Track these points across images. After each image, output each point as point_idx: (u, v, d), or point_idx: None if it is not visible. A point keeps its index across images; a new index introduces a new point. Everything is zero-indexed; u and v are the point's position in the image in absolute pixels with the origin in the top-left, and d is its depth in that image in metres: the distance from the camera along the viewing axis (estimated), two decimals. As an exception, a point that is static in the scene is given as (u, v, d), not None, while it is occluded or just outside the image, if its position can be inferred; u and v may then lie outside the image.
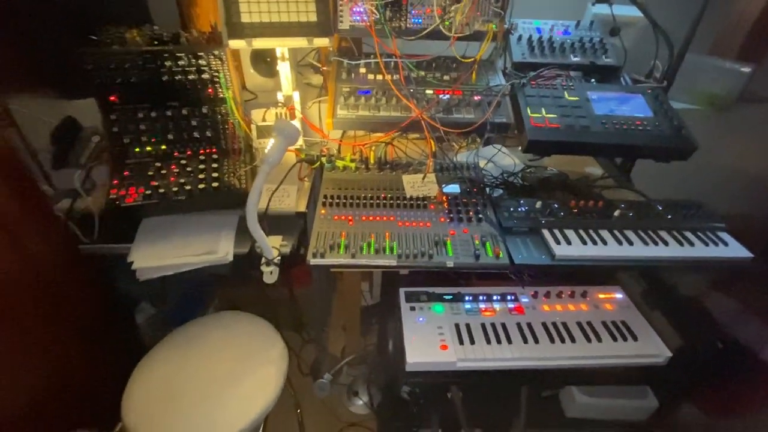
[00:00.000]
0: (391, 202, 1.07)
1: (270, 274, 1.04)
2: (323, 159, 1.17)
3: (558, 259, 0.94)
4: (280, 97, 1.28)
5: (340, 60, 1.19)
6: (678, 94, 1.41)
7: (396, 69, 1.17)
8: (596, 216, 1.07)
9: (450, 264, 0.92)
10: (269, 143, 1.08)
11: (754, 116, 1.54)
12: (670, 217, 1.08)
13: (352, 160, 1.19)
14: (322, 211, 1.05)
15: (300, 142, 1.20)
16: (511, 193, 1.20)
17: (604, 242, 0.99)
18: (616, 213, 1.07)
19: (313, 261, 0.92)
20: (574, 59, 1.29)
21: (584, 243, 0.98)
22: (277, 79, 1.64)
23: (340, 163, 1.17)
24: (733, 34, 1.55)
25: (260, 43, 1.11)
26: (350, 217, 1.03)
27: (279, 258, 1.03)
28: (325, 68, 1.22)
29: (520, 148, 1.09)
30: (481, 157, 1.29)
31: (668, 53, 1.24)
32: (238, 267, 1.05)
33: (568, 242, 0.98)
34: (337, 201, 1.07)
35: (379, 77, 1.14)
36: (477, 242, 0.97)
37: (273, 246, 1.03)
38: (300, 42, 1.13)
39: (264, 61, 1.53)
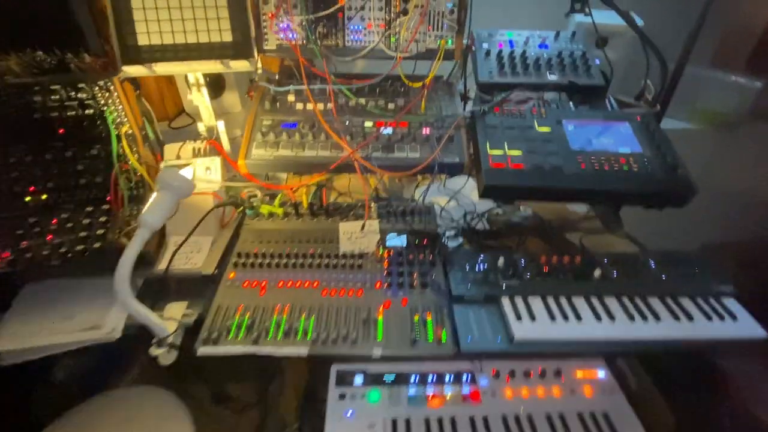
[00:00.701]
0: (320, 260, 0.88)
1: (167, 353, 0.84)
2: (248, 204, 0.97)
3: (517, 343, 0.74)
4: (201, 128, 1.09)
5: (265, 86, 1.00)
6: (674, 111, 1.20)
7: (332, 96, 0.98)
8: (572, 276, 0.87)
9: (377, 354, 0.72)
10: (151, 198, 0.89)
11: (766, 138, 1.31)
12: (664, 277, 0.87)
13: (282, 204, 1.00)
14: (231, 275, 0.86)
15: (219, 182, 1.01)
16: (472, 242, 1.00)
17: (578, 316, 0.78)
18: (597, 273, 0.87)
19: (201, 350, 0.73)
20: (551, 78, 1.09)
21: (552, 318, 0.78)
22: (223, 99, 1.46)
23: (265, 209, 0.98)
24: (739, 44, 1.34)
25: (163, 69, 0.93)
26: (264, 284, 0.83)
27: (179, 332, 0.84)
28: (251, 94, 1.03)
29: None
30: (444, 192, 1.09)
31: (661, 71, 1.04)
32: (130, 343, 0.86)
33: (532, 317, 0.77)
34: (252, 261, 0.87)
35: (310, 106, 0.95)
36: (416, 319, 0.77)
37: (171, 318, 0.84)
38: (212, 66, 0.94)
39: (205, 80, 1.35)
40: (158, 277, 0.90)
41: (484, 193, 0.86)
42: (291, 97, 0.98)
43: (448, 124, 0.94)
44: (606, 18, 1.36)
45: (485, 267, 0.88)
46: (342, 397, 0.83)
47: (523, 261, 0.90)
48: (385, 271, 0.86)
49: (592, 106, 1.06)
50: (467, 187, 1.09)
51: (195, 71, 0.97)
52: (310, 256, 0.89)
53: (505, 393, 0.85)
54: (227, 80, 1.40)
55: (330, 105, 0.94)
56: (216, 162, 1.02)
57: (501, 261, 0.89)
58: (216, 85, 1.40)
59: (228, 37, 0.93)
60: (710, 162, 1.31)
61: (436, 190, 1.11)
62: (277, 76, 1.08)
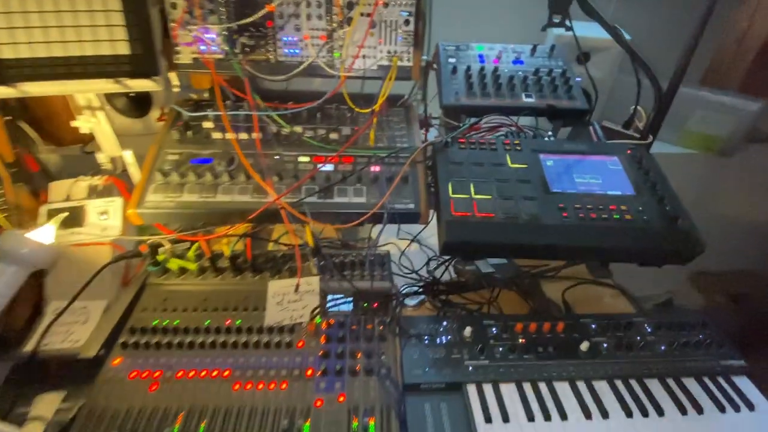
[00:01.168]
0: (236, 338, 0.68)
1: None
2: (149, 259, 0.77)
3: (485, 458, 0.57)
4: (101, 159, 0.88)
5: (176, 110, 0.80)
6: (665, 133, 1.05)
7: (261, 123, 0.79)
8: (554, 350, 0.70)
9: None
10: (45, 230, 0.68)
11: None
12: (663, 348, 0.71)
13: (196, 257, 0.80)
14: (116, 361, 0.65)
15: (118, 228, 0.80)
16: (435, 299, 0.83)
17: (563, 414, 0.61)
18: (585, 346, 0.70)
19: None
20: (527, 100, 0.93)
21: (530, 417, 0.60)
22: (151, 118, 1.24)
23: (174, 263, 0.78)
24: (733, 62, 1.21)
25: (37, 89, 0.72)
26: (157, 374, 0.63)
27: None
28: (163, 118, 0.83)
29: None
30: (403, 232, 0.91)
31: (654, 93, 0.89)
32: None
33: (505, 417, 0.60)
34: (147, 339, 0.67)
35: (230, 136, 0.75)
36: (355, 425, 0.58)
37: (38, 417, 0.64)
38: (101, 86, 0.74)
39: (125, 95, 1.14)
40: (26, 360, 0.69)
41: (444, 250, 0.68)
42: (208, 124, 0.79)
43: (403, 159, 0.76)
44: (588, 30, 1.22)
45: (448, 339, 0.71)
46: None
47: (494, 329, 0.73)
48: (321, 351, 0.67)
49: (574, 134, 0.91)
50: (431, 226, 0.92)
51: (78, 92, 0.77)
52: (225, 331, 0.69)
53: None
54: (155, 95, 1.20)
55: (255, 134, 0.75)
56: (116, 204, 0.81)
57: (468, 331, 0.71)
58: (142, 101, 1.19)
59: (124, 49, 0.73)
60: (705, 191, 1.18)
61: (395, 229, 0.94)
62: (203, 94, 0.89)
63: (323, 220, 0.70)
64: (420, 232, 0.92)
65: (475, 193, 0.72)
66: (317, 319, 0.72)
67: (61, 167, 1.13)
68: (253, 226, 0.79)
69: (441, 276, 0.85)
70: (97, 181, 0.83)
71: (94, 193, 0.83)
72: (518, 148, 0.81)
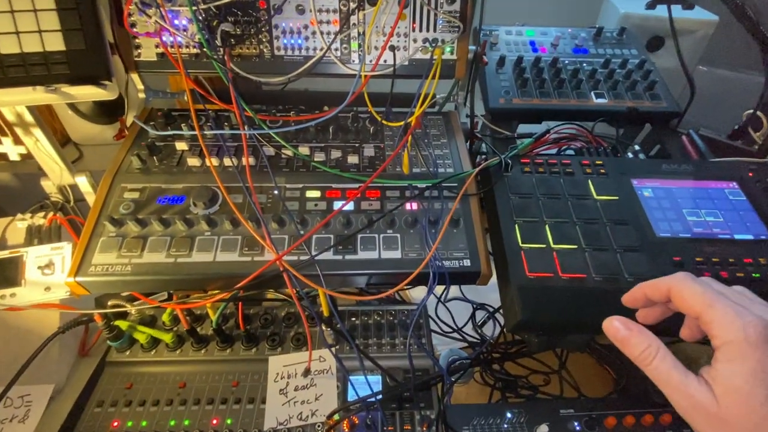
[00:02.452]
0: (226, 447, 0.49)
1: None
2: (106, 329, 0.57)
3: None
4: (49, 188, 0.68)
5: (141, 126, 0.59)
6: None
7: (252, 143, 0.58)
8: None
9: None
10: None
11: None
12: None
13: (172, 325, 0.60)
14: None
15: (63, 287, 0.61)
16: (486, 371, 0.63)
17: None
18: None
19: None
20: (599, 101, 0.71)
21: None
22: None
23: (141, 335, 0.58)
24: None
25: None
26: None
27: None
28: (122, 135, 0.62)
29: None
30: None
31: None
32: None
33: None
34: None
35: (210, 163, 0.54)
36: None
37: None
38: (27, 96, 0.53)
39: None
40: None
41: (516, 328, 0.48)
42: (182, 146, 0.58)
43: (448, 192, 0.55)
44: (656, 10, 0.99)
45: (516, 444, 0.51)
46: None
47: (577, 425, 0.53)
48: (343, 470, 0.48)
49: (663, 150, 0.69)
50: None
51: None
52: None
53: None
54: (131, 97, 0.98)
55: (246, 160, 0.54)
56: (65, 252, 0.61)
57: (543, 429, 0.52)
58: (111, 106, 0.98)
59: (57, 44, 0.52)
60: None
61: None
62: (184, 97, 0.67)
63: (344, 285, 0.50)
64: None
65: (555, 242, 0.51)
66: (336, 417, 0.52)
67: (16, 193, 0.93)
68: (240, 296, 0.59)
69: (496, 338, 0.65)
70: (40, 219, 0.63)
71: (36, 236, 0.62)
72: (602, 170, 0.60)
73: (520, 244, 0.51)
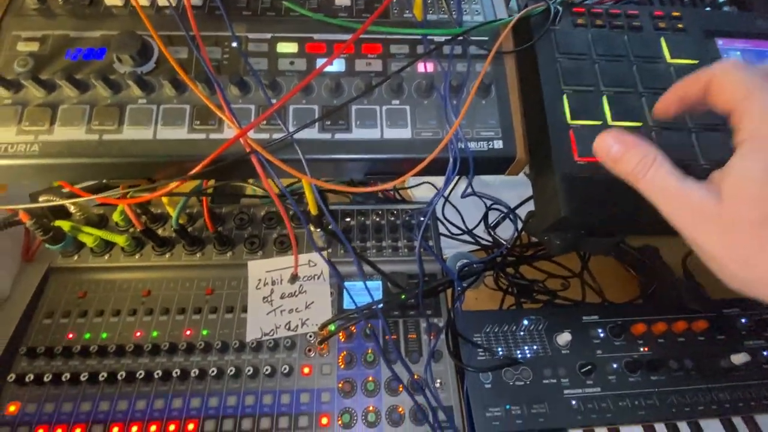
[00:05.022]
0: (203, 362, 0.43)
1: None
2: (37, 228, 0.46)
3: None
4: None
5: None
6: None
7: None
8: (694, 365, 0.46)
9: None
10: None
11: None
12: None
13: (125, 226, 0.49)
14: (11, 409, 0.40)
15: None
16: (500, 273, 0.55)
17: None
18: (738, 359, 0.46)
19: None
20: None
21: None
22: None
23: (88, 236, 0.48)
24: None
25: None
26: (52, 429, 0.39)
27: None
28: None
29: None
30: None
31: None
32: None
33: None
34: (57, 370, 0.41)
35: (137, 1, 0.37)
36: None
37: None
38: None
39: None
40: None
41: (556, 227, 0.38)
42: (93, -26, 0.40)
43: (477, 49, 0.40)
44: None
45: (535, 351, 0.46)
46: None
47: (601, 331, 0.48)
48: (340, 383, 0.42)
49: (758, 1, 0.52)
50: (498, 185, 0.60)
51: None
52: (184, 350, 0.43)
53: None
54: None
55: (189, -3, 0.37)
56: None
57: (564, 338, 0.46)
58: None
59: None
60: None
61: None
62: None
63: (336, 174, 0.38)
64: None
65: (614, 118, 0.39)
66: (331, 327, 0.45)
67: None
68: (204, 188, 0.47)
69: (513, 240, 0.56)
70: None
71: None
72: (679, 25, 0.44)
73: (569, 121, 0.38)
